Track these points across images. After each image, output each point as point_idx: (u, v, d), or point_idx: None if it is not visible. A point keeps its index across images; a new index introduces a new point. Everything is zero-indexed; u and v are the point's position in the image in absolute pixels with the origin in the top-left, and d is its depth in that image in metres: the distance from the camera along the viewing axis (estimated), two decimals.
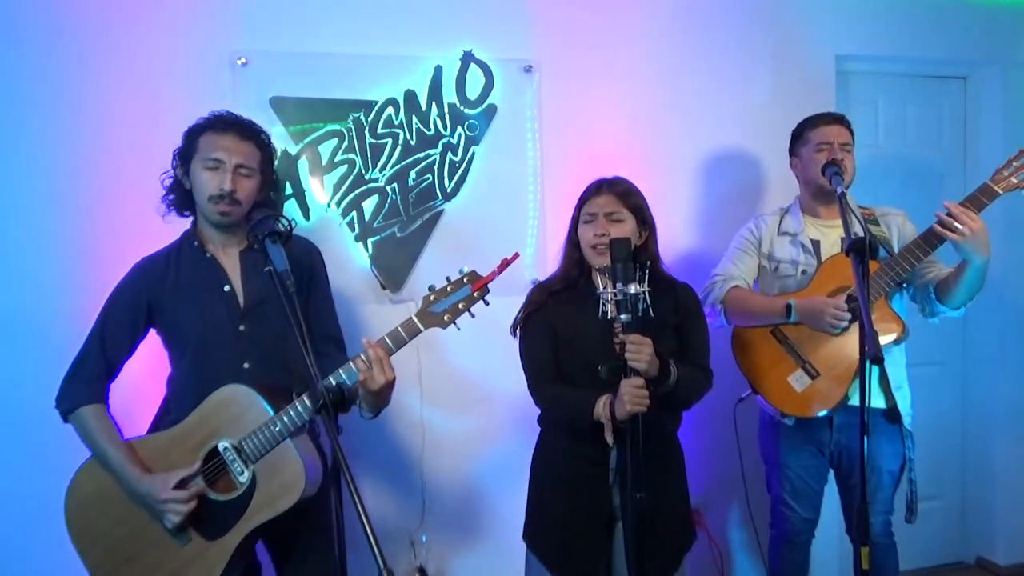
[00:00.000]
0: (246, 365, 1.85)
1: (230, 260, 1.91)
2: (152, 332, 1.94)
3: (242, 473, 1.73)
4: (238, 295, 1.89)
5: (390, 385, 1.72)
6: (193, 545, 1.77)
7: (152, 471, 1.77)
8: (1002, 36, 3.25)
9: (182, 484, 1.74)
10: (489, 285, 1.71)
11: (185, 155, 1.88)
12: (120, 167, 2.39)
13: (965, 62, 3.32)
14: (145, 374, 2.07)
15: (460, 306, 1.70)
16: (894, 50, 3.14)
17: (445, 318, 1.70)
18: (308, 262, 1.99)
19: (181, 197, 1.93)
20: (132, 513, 1.80)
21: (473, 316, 1.73)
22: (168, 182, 1.94)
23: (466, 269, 1.72)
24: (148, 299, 1.88)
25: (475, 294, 1.70)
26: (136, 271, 1.92)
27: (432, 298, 1.71)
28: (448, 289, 1.71)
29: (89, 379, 1.86)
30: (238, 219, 1.88)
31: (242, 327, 1.87)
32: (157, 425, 1.94)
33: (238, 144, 1.86)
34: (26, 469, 2.32)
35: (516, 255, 1.75)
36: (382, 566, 1.24)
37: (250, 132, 1.90)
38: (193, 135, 1.88)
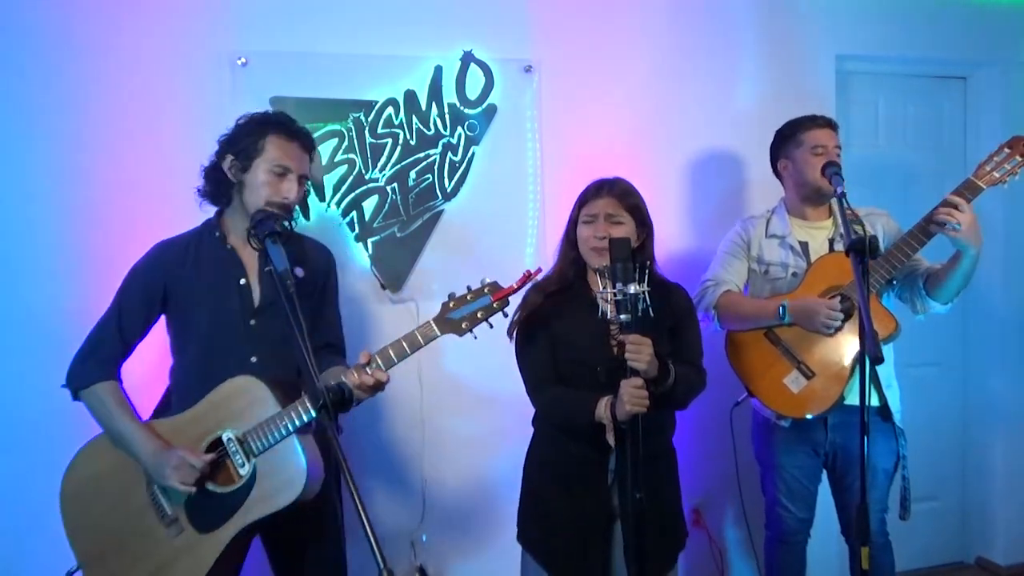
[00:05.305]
0: (254, 359, 1.84)
1: (249, 255, 1.89)
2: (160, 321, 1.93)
3: (243, 466, 1.72)
4: (253, 290, 1.88)
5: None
6: (184, 536, 1.76)
7: None
8: (1002, 36, 3.25)
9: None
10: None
11: (243, 151, 1.81)
12: (121, 167, 2.39)
13: (965, 62, 3.32)
14: (145, 366, 2.06)
15: (479, 315, 1.72)
16: (894, 50, 3.14)
17: (463, 325, 1.72)
18: (325, 267, 2.01)
19: (217, 187, 1.87)
20: (125, 501, 1.80)
21: (492, 327, 1.75)
22: (207, 169, 1.87)
23: (488, 279, 1.74)
24: (165, 282, 1.86)
25: (495, 304, 1.72)
26: (155, 254, 1.90)
27: (452, 305, 1.73)
28: (468, 297, 1.73)
29: (104, 359, 1.85)
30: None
31: (253, 322, 1.87)
32: (158, 416, 1.93)
33: (302, 154, 1.86)
34: (26, 467, 2.32)
35: (539, 269, 1.80)
36: (382, 566, 1.24)
37: (311, 144, 1.92)
38: (255, 133, 1.82)
